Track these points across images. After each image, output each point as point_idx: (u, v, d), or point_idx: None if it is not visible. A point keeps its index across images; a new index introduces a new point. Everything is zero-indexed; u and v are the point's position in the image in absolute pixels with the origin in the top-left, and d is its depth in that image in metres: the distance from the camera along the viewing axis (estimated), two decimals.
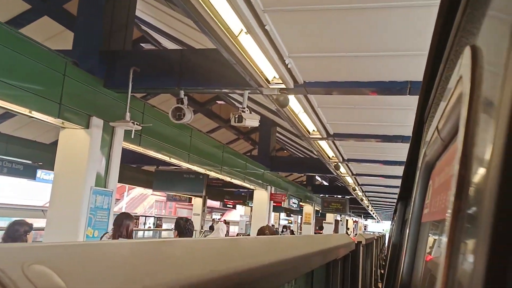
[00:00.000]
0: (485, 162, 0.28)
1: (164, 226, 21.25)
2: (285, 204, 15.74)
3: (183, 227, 4.50)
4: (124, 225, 4.65)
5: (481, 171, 0.30)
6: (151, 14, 8.32)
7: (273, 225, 19.29)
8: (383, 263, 7.10)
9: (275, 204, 14.72)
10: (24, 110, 4.84)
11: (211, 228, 18.04)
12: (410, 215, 0.98)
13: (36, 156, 11.34)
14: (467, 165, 0.35)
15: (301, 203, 19.48)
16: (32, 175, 11.74)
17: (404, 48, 3.93)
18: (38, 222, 14.78)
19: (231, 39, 3.68)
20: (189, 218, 4.87)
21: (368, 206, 25.10)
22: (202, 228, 18.16)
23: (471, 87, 0.37)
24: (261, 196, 14.08)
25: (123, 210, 30.10)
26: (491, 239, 0.25)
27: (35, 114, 4.99)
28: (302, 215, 22.68)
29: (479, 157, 0.32)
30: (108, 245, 0.48)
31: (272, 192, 14.37)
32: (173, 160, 8.36)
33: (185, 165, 9.07)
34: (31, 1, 7.54)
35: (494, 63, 0.30)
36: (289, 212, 26.99)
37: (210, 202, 22.98)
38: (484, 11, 0.40)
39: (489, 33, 0.37)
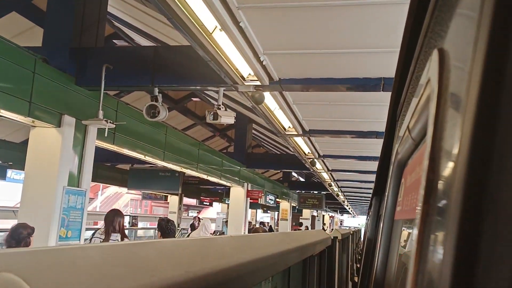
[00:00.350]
0: (452, 165, 0.29)
1: (140, 225, 21.04)
2: (261, 201, 15.79)
3: (165, 228, 4.80)
4: (116, 221, 4.96)
5: (448, 174, 0.31)
6: (123, 10, 8.19)
7: (250, 222, 19.34)
8: (359, 257, 7.21)
9: (251, 201, 14.74)
10: None
11: (192, 226, 17.93)
12: (383, 212, 1.00)
13: (5, 156, 11.06)
14: (435, 169, 0.36)
15: (277, 200, 19.58)
16: (2, 175, 11.46)
17: (378, 45, 3.98)
18: (9, 223, 14.43)
19: (206, 36, 3.66)
20: (171, 219, 5.19)
21: (344, 201, 25.44)
22: (178, 226, 18.04)
23: (439, 92, 0.38)
24: (237, 193, 14.09)
25: (97, 210, 29.70)
26: (457, 241, 0.25)
27: (4, 113, 4.85)
28: (279, 212, 22.80)
29: (446, 159, 0.32)
30: (78, 249, 0.47)
31: (249, 189, 14.40)
32: (148, 158, 8.27)
33: (160, 163, 9.00)
34: None
35: (461, 68, 0.31)
36: (265, 208, 27.10)
37: (187, 200, 22.89)
38: (451, 15, 0.41)
39: (456, 37, 0.38)
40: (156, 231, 4.69)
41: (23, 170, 5.79)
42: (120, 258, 0.48)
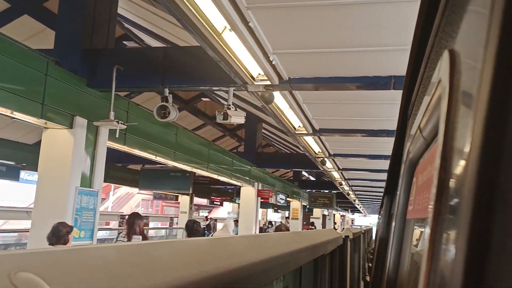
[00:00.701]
0: (463, 164, 0.29)
1: (151, 225, 21.16)
2: (272, 200, 15.79)
3: (191, 228, 5.35)
4: (136, 224, 5.43)
5: (459, 173, 0.31)
6: (133, 11, 8.24)
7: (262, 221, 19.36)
8: (371, 257, 7.17)
9: (262, 200, 14.74)
10: (6, 111, 4.76)
11: (209, 227, 17.97)
12: (395, 211, 1.00)
13: (19, 157, 11.19)
14: (446, 168, 0.36)
15: (288, 199, 19.56)
16: (15, 176, 11.59)
17: (388, 43, 3.96)
18: (22, 224, 14.59)
19: (215, 36, 3.66)
20: (197, 220, 5.83)
21: (355, 200, 25.33)
22: None
23: (450, 92, 0.38)
24: (248, 192, 14.10)
25: (109, 210, 29.94)
26: (469, 240, 0.25)
27: (17, 115, 4.91)
28: (289, 211, 22.78)
29: (458, 159, 0.32)
30: (93, 249, 0.48)
31: (259, 188, 14.40)
32: (159, 159, 8.32)
33: (171, 163, 9.04)
34: None
35: (472, 69, 0.31)
36: (276, 208, 27.08)
37: (197, 200, 22.95)
38: (462, 15, 0.41)
39: (467, 38, 0.38)
40: (183, 231, 5.35)
41: (36, 171, 5.86)
42: (134, 258, 0.48)
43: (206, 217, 22.52)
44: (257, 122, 13.47)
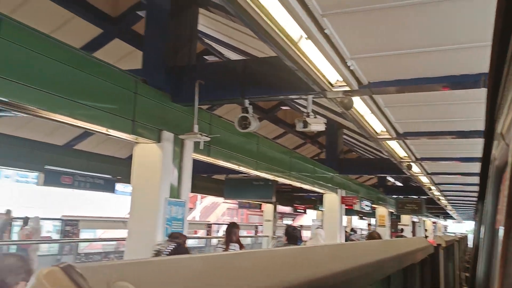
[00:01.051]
0: None
1: None
2: (356, 207, 15.40)
3: (291, 233, 5.69)
4: (233, 232, 5.91)
5: None
6: (213, 27, 8.55)
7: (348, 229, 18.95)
8: (467, 266, 6.73)
9: (346, 207, 14.44)
10: (102, 129, 5.16)
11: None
12: (484, 219, 0.94)
13: (114, 171, 11.99)
14: None
15: (373, 205, 18.97)
16: (111, 189, 12.42)
17: (473, 39, 3.72)
18: (118, 233, 15.61)
19: (292, 46, 3.69)
20: (296, 226, 6.08)
21: (446, 206, 23.90)
22: (274, 233, 18.21)
23: None
24: (331, 199, 13.88)
25: (197, 219, 31.07)
26: None
27: (111, 132, 5.29)
28: (375, 218, 22.07)
29: None
30: (185, 260, 0.51)
31: (343, 195, 14.12)
32: (241, 168, 8.48)
33: (253, 172, 9.17)
34: (102, 25, 8.05)
35: None
36: (361, 215, 26.37)
37: (281, 208, 23.03)
38: None
39: None
40: (283, 236, 5.83)
41: (129, 183, 6.26)
42: (219, 268, 0.51)
43: (287, 225, 22.50)
44: (337, 128, 13.26)
